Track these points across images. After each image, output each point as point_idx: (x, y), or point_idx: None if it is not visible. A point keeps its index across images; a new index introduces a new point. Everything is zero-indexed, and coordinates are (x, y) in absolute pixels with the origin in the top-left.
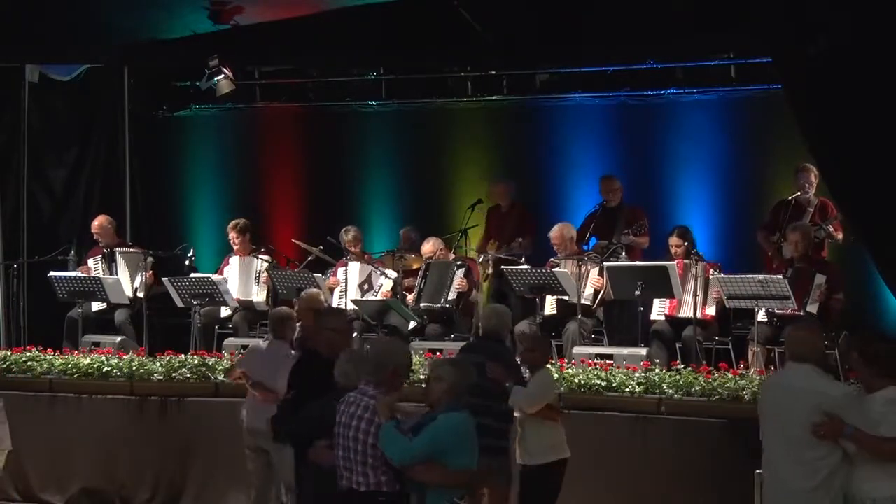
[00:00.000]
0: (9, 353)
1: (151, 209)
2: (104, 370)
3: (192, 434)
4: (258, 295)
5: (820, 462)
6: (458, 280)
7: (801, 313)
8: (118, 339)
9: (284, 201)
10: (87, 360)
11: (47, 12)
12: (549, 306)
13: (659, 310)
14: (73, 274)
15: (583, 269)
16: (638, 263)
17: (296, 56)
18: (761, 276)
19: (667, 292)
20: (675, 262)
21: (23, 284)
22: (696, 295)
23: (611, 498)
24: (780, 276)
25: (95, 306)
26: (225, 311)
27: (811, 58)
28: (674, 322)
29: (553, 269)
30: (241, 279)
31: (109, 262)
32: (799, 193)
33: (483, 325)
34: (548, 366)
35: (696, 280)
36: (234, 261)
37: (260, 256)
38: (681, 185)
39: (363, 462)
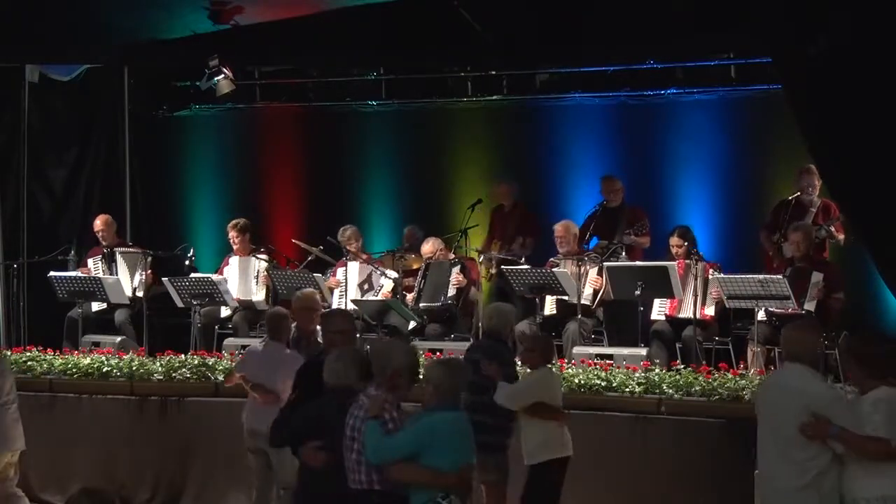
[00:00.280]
0: (9, 353)
1: (151, 209)
2: (104, 370)
3: (192, 434)
4: (257, 294)
5: (809, 462)
6: (455, 277)
7: (801, 312)
8: (118, 339)
9: (284, 201)
10: (87, 360)
11: (47, 12)
12: (549, 306)
13: (659, 310)
14: (73, 274)
15: (582, 269)
16: (638, 263)
17: (296, 56)
18: (761, 276)
19: (667, 292)
20: (675, 262)
21: (23, 284)
22: (696, 295)
23: (611, 498)
24: (779, 276)
25: (95, 306)
26: (225, 311)
27: (811, 58)
28: (674, 322)
29: (553, 269)
30: (241, 279)
31: (109, 262)
32: (799, 193)
33: (484, 324)
34: (548, 366)
35: (696, 280)
36: (234, 261)
37: (259, 256)
38: (681, 185)
39: (358, 461)
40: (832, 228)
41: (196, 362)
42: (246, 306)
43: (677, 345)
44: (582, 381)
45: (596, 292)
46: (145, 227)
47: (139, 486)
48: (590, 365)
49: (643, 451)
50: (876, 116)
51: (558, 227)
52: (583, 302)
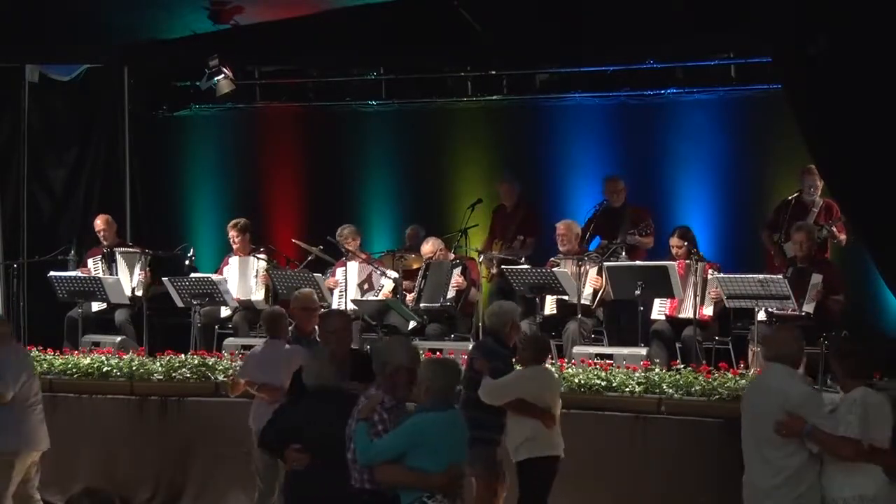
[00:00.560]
0: None
1: (151, 209)
2: (104, 370)
3: (192, 434)
4: (257, 294)
5: (783, 461)
6: (455, 278)
7: (801, 313)
8: (118, 338)
9: (284, 201)
10: (87, 360)
11: (47, 12)
12: (549, 306)
13: (659, 310)
14: (73, 274)
15: (582, 268)
16: (638, 263)
17: (296, 56)
18: (761, 276)
19: (667, 292)
20: (675, 262)
21: (23, 284)
22: (696, 295)
23: (611, 498)
24: (779, 276)
25: (95, 306)
26: (225, 311)
27: (811, 58)
28: (674, 322)
29: (553, 269)
30: (241, 279)
31: (109, 262)
32: (798, 193)
33: (486, 323)
34: (542, 365)
35: (696, 280)
36: (234, 261)
37: (258, 256)
38: (681, 185)
39: (353, 460)
40: (834, 229)
41: (196, 362)
42: (246, 306)
43: (677, 345)
44: (582, 381)
45: (596, 292)
46: (145, 227)
47: (139, 486)
48: (590, 365)
49: (643, 451)
50: (876, 116)
51: (560, 226)
52: (583, 302)
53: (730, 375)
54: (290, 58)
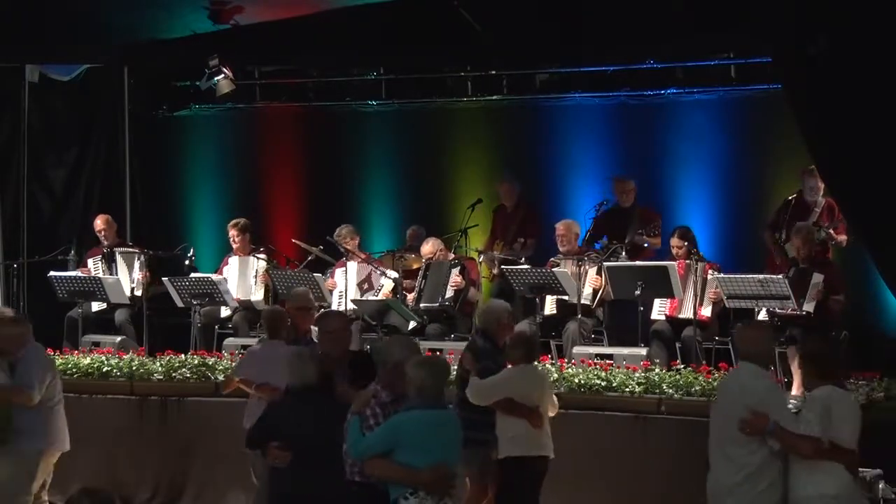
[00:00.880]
0: None
1: (151, 209)
2: (104, 370)
3: (192, 434)
4: (256, 294)
5: (745, 459)
6: (454, 278)
7: (801, 312)
8: (118, 338)
9: (284, 201)
10: (87, 360)
11: (47, 12)
12: (549, 306)
13: (659, 310)
14: (73, 274)
15: (582, 268)
16: (638, 263)
17: (296, 56)
18: (761, 276)
19: (667, 292)
20: (675, 262)
21: (23, 284)
22: (696, 295)
23: (611, 498)
24: (780, 276)
25: (95, 306)
26: (225, 311)
27: (811, 58)
28: (674, 322)
29: (553, 269)
30: (240, 279)
31: (109, 262)
32: (798, 194)
33: (477, 322)
34: (530, 364)
35: (696, 280)
36: (234, 261)
37: (258, 256)
38: (681, 185)
39: (346, 453)
40: (831, 231)
41: (196, 362)
42: (245, 306)
43: (677, 345)
44: (582, 381)
45: (596, 292)
46: (145, 227)
47: (139, 485)
48: (590, 365)
49: (643, 451)
50: (876, 116)
51: (560, 226)
52: (583, 302)
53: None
54: (290, 58)
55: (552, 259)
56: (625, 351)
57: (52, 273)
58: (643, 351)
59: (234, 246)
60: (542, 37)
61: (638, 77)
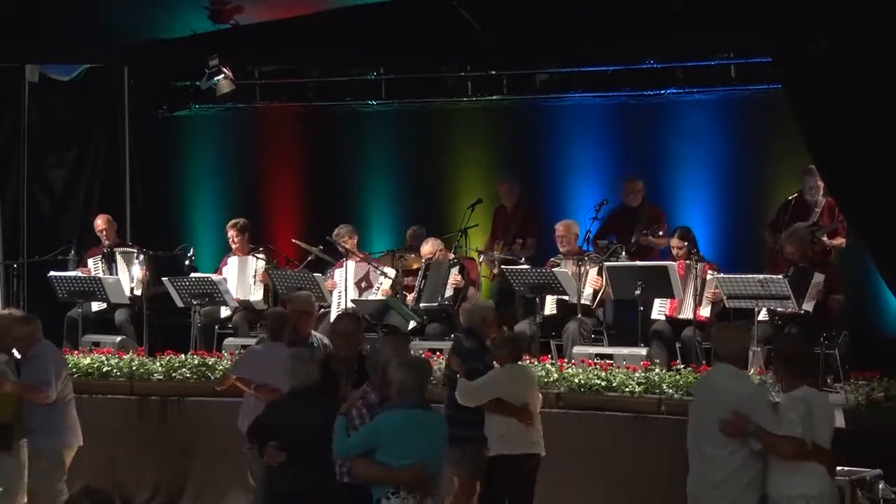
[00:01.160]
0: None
1: (151, 209)
2: (104, 370)
3: (192, 434)
4: (255, 294)
5: (725, 459)
6: (453, 277)
7: (800, 311)
8: (118, 338)
9: (284, 201)
10: (87, 360)
11: (47, 12)
12: (550, 306)
13: (659, 310)
14: (73, 274)
15: (582, 269)
16: (638, 263)
17: (296, 56)
18: (761, 276)
19: (667, 292)
20: (675, 263)
21: (23, 284)
22: (696, 296)
23: (611, 498)
24: (779, 276)
25: (95, 306)
26: (225, 311)
27: (811, 58)
28: (673, 322)
29: (553, 269)
30: (239, 279)
31: (109, 262)
32: (798, 194)
33: (462, 320)
34: (517, 363)
35: (696, 280)
36: (233, 261)
37: (257, 256)
38: (681, 185)
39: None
40: (825, 238)
41: (196, 362)
42: (245, 306)
43: (677, 345)
44: (582, 381)
45: (596, 292)
46: (145, 227)
47: (139, 485)
48: (590, 365)
49: (643, 451)
50: (876, 116)
51: (559, 227)
52: (583, 302)
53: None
54: (290, 58)
55: (552, 259)
56: (625, 351)
57: (52, 273)
58: (643, 351)
59: (234, 246)
60: (542, 37)
61: (638, 77)
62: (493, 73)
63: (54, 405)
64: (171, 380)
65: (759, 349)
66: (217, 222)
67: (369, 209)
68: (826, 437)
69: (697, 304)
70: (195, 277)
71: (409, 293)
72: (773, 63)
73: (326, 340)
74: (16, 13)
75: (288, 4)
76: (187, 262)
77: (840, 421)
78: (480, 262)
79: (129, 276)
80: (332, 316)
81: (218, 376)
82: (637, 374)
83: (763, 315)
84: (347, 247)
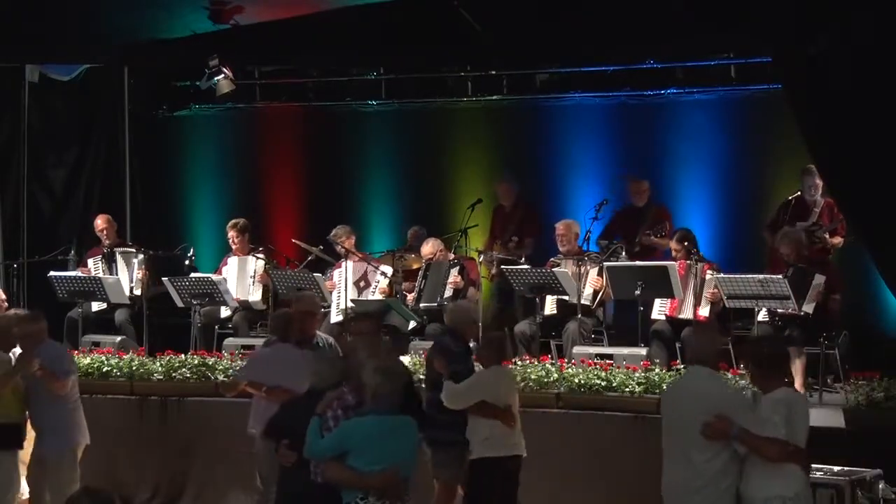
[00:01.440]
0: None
1: (151, 209)
2: (104, 370)
3: (192, 434)
4: (254, 294)
5: (707, 464)
6: (453, 278)
7: (800, 313)
8: (118, 338)
9: (284, 201)
10: (87, 360)
11: (47, 12)
12: (550, 306)
13: (660, 310)
14: (73, 274)
15: (583, 269)
16: (638, 263)
17: (296, 56)
18: (761, 276)
19: (667, 292)
20: (676, 263)
21: (23, 284)
22: (695, 295)
23: (611, 498)
24: (779, 277)
25: (95, 306)
26: (225, 311)
27: (811, 58)
28: (674, 322)
29: (553, 269)
30: (239, 279)
31: (109, 262)
32: (798, 193)
33: (446, 321)
34: (500, 365)
35: (696, 281)
36: (233, 261)
37: (257, 256)
38: (681, 185)
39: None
40: (826, 236)
41: (196, 362)
42: (245, 306)
43: (677, 345)
44: (582, 381)
45: (596, 292)
46: (145, 227)
47: (139, 485)
48: (590, 365)
49: (643, 451)
50: (876, 116)
51: (559, 226)
52: (583, 302)
53: (730, 375)
54: (290, 58)
55: (552, 259)
56: (625, 351)
57: (52, 273)
58: (643, 351)
59: (234, 246)
60: (542, 37)
61: (638, 77)
62: (493, 73)
63: (66, 403)
64: (171, 380)
65: None
66: (217, 222)
67: (369, 209)
68: (804, 438)
69: (697, 305)
70: (195, 277)
71: (409, 293)
72: (773, 63)
73: (332, 340)
74: (16, 13)
75: (288, 4)
76: (187, 262)
77: (840, 421)
78: (480, 263)
79: (129, 276)
80: (332, 316)
81: (218, 376)
82: (637, 374)
83: (763, 315)
84: (346, 247)
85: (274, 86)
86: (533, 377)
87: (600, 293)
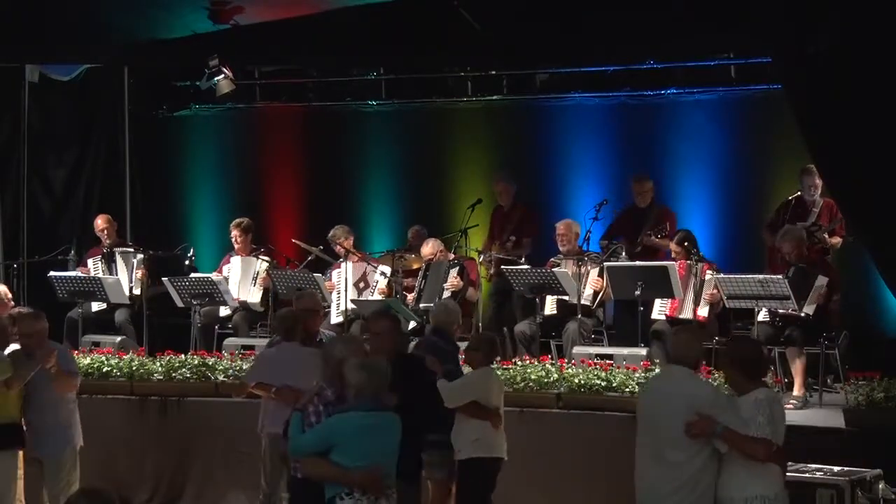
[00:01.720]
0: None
1: (151, 209)
2: (104, 370)
3: (192, 434)
4: (253, 295)
5: (686, 464)
6: (452, 279)
7: (801, 314)
8: (118, 339)
9: (284, 201)
10: (87, 360)
11: (47, 12)
12: (550, 306)
13: (660, 310)
14: (73, 274)
15: (583, 269)
16: (638, 263)
17: (296, 56)
18: (761, 276)
19: (667, 293)
20: (676, 263)
21: (23, 284)
22: (695, 296)
23: (611, 498)
24: (779, 277)
25: (95, 306)
26: (225, 311)
27: (811, 58)
28: (674, 322)
29: (553, 269)
30: (242, 279)
31: (109, 262)
32: (798, 193)
33: (432, 320)
34: (489, 366)
35: (696, 281)
36: (236, 260)
37: (261, 257)
38: (681, 185)
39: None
40: (825, 236)
41: (196, 362)
42: (245, 306)
43: None
44: (582, 382)
45: (596, 293)
46: (145, 227)
47: (139, 486)
48: (590, 365)
49: None
50: (876, 116)
51: (560, 226)
52: (583, 302)
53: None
54: (290, 58)
55: (552, 259)
56: (625, 351)
57: (52, 273)
58: (643, 351)
59: (236, 246)
60: (542, 37)
61: (638, 77)
62: (493, 73)
63: (67, 403)
64: (171, 380)
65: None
66: (217, 222)
67: (369, 209)
68: (782, 437)
69: (697, 305)
70: (195, 277)
71: (409, 293)
72: (773, 63)
73: (334, 335)
74: (16, 13)
75: (288, 4)
76: (187, 262)
77: (840, 421)
78: (480, 263)
79: (129, 276)
80: (332, 317)
81: (218, 377)
82: (637, 374)
83: (763, 315)
84: (344, 247)
85: (274, 86)
86: (533, 377)
87: (600, 293)
